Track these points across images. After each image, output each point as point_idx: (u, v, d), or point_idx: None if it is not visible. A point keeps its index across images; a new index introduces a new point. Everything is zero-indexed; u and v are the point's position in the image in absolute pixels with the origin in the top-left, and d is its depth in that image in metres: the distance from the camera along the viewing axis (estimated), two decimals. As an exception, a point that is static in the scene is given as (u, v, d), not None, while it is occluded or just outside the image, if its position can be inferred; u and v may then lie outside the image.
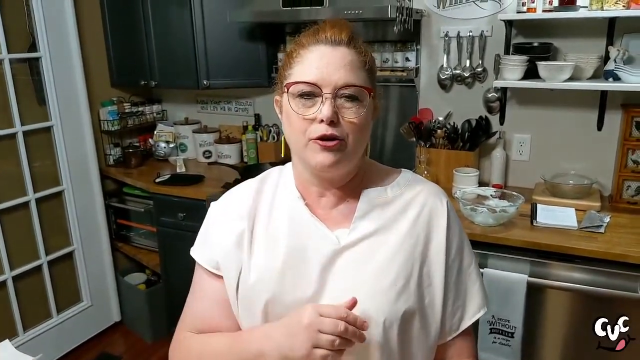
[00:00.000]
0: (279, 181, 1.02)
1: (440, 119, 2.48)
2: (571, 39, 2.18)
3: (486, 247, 1.87)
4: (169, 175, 2.82)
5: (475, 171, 2.30)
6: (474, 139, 2.37)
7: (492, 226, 1.93)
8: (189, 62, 2.72)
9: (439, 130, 2.41)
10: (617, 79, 1.99)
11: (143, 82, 2.91)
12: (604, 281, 1.73)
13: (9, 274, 2.53)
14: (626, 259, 1.69)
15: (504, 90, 2.35)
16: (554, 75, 2.04)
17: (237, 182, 1.09)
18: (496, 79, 2.26)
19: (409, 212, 0.95)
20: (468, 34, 2.35)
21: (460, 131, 2.40)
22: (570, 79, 2.04)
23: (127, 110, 3.09)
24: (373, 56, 0.94)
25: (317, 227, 0.94)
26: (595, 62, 2.07)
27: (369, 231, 0.93)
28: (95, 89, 2.93)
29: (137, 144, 3.21)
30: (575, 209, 2.04)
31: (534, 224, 1.95)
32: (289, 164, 1.03)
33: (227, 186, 2.42)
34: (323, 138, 0.86)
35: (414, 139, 2.46)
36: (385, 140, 2.67)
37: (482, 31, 2.33)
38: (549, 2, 2.03)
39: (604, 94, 2.18)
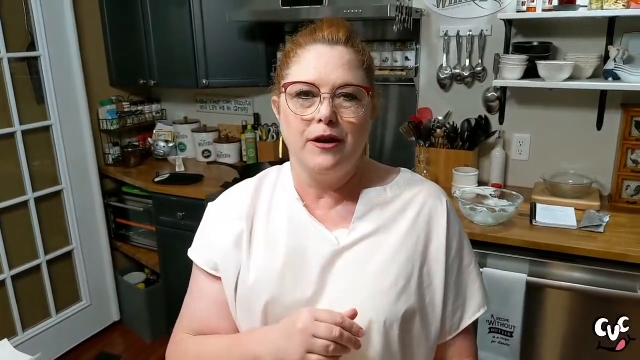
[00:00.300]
0: (277, 181, 1.01)
1: (440, 118, 2.48)
2: (571, 38, 2.18)
3: (485, 246, 1.87)
4: (168, 175, 2.81)
5: (475, 170, 2.30)
6: (473, 138, 2.37)
7: (492, 225, 1.93)
8: (188, 61, 2.71)
9: (438, 130, 2.41)
10: (616, 78, 1.99)
11: (142, 81, 2.91)
12: (603, 281, 1.73)
13: (7, 273, 2.53)
14: (625, 259, 1.69)
15: (503, 89, 2.34)
16: (554, 75, 2.03)
17: (236, 181, 1.08)
18: (495, 78, 2.25)
19: (408, 211, 0.95)
20: (467, 33, 2.35)
21: (459, 130, 2.40)
22: (570, 78, 2.04)
23: (126, 110, 3.09)
24: (371, 55, 0.94)
25: (316, 227, 0.93)
26: (595, 61, 2.07)
27: (368, 231, 0.93)
28: (94, 88, 2.92)
29: (136, 143, 3.21)
30: (575, 209, 2.04)
31: (533, 224, 1.94)
32: (287, 164, 1.02)
33: (226, 185, 2.42)
34: (321, 139, 0.85)
35: (414, 138, 2.46)
36: (385, 139, 2.67)
37: (482, 30, 2.32)
38: (549, 1, 2.03)
39: (603, 93, 2.18)
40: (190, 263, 1.03)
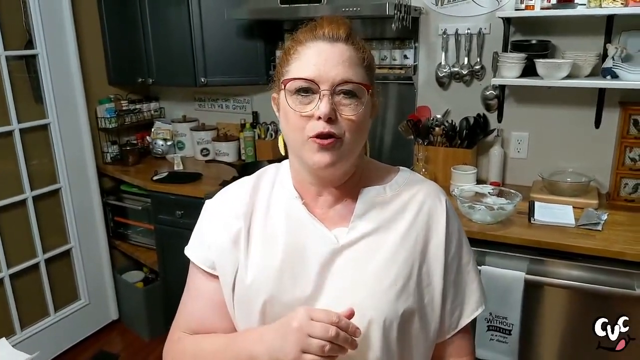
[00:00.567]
0: (275, 179, 1.00)
1: (439, 116, 2.48)
2: (569, 36, 2.18)
3: (484, 244, 1.88)
4: (166, 173, 2.81)
5: (473, 169, 2.30)
6: (472, 136, 2.37)
7: (490, 224, 1.93)
8: (186, 60, 2.71)
9: (437, 128, 2.41)
10: (615, 76, 1.99)
11: (140, 80, 2.90)
12: (601, 279, 1.73)
13: (6, 272, 2.52)
14: (624, 257, 1.69)
15: (502, 88, 2.35)
16: (552, 73, 2.03)
17: (234, 179, 1.08)
18: (494, 76, 2.26)
19: (407, 211, 0.95)
20: (466, 32, 2.35)
21: (458, 129, 2.40)
22: (568, 76, 2.04)
23: (124, 108, 3.09)
24: (372, 53, 0.93)
25: (316, 226, 0.93)
26: (593, 59, 2.07)
27: (367, 230, 0.92)
28: (93, 87, 2.92)
29: (135, 142, 3.20)
30: (573, 207, 2.04)
31: (532, 222, 1.95)
32: (286, 162, 1.01)
33: (225, 184, 2.40)
34: (320, 136, 0.85)
35: (412, 137, 2.46)
36: (384, 138, 2.67)
37: (480, 29, 2.32)
38: (547, -1, 2.03)
39: (601, 91, 2.18)
40: (189, 262, 1.03)
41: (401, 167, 1.04)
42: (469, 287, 0.98)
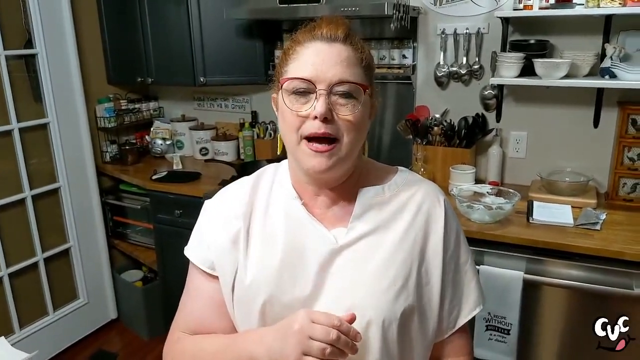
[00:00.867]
0: (274, 179, 1.01)
1: (437, 116, 2.48)
2: (568, 36, 2.19)
3: (482, 244, 1.88)
4: (165, 173, 2.81)
5: (472, 168, 2.30)
6: (470, 136, 2.37)
7: (489, 223, 1.93)
8: (185, 59, 2.71)
9: (435, 128, 2.41)
10: (613, 76, 1.99)
11: (140, 79, 2.90)
12: (600, 278, 1.73)
13: (5, 271, 2.52)
14: (622, 256, 1.69)
15: (500, 87, 2.35)
16: (551, 73, 2.04)
17: (234, 179, 1.08)
18: (493, 76, 2.26)
19: (406, 211, 0.95)
20: (465, 31, 2.35)
21: (456, 128, 2.40)
22: (567, 76, 2.05)
23: (123, 107, 3.08)
24: (370, 53, 0.93)
25: (315, 226, 0.93)
26: (592, 59, 2.07)
27: (366, 231, 0.93)
28: (92, 86, 2.92)
29: (134, 141, 3.20)
30: (572, 206, 2.04)
31: (530, 221, 1.95)
32: (285, 162, 1.01)
33: (224, 183, 2.41)
34: (315, 137, 0.85)
35: (411, 137, 2.46)
36: (382, 137, 2.67)
37: (479, 28, 2.32)
38: (546, -1, 2.03)
39: (600, 91, 2.19)
40: (188, 261, 1.03)
41: (400, 167, 1.04)
42: (467, 287, 0.99)
